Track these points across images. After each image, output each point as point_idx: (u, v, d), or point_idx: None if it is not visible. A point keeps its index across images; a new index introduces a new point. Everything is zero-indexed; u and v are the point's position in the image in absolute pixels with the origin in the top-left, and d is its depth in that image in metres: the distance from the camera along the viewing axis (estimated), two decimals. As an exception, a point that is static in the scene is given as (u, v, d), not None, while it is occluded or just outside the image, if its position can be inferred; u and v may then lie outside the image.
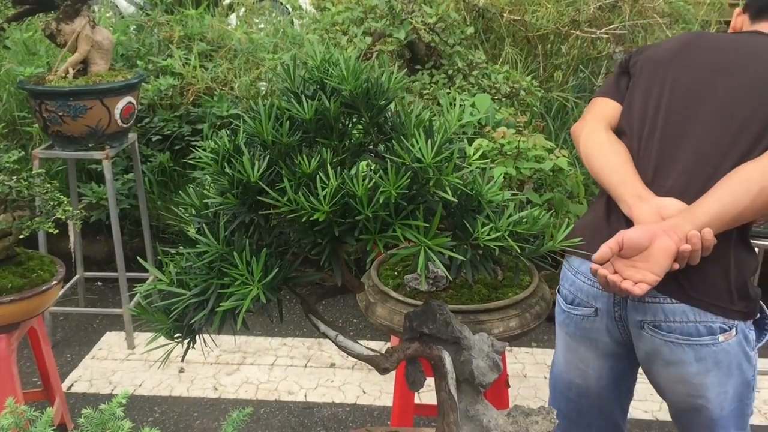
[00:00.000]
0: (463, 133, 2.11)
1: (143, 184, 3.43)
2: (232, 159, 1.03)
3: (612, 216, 1.58)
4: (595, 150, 1.64)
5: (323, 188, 0.95)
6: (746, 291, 1.50)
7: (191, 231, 1.14)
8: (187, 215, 1.16)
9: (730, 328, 1.47)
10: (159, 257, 1.15)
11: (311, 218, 0.95)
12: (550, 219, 1.09)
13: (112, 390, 2.91)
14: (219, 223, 1.06)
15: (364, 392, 2.92)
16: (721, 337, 1.47)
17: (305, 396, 2.90)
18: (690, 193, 1.47)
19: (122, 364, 3.09)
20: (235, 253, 0.99)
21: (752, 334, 1.53)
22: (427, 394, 2.63)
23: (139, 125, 3.75)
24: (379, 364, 1.16)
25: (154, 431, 0.94)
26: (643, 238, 1.38)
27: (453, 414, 1.19)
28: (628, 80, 1.75)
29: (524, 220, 1.06)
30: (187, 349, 1.15)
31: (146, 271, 1.07)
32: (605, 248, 1.42)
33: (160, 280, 1.11)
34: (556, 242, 1.08)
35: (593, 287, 1.57)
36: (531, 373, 3.03)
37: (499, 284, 2.03)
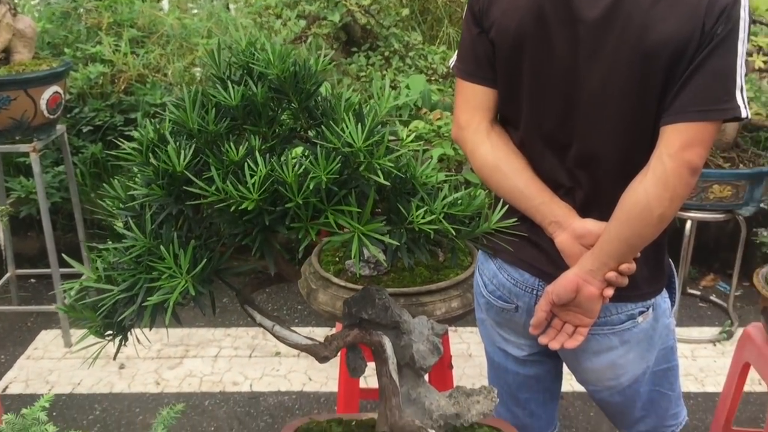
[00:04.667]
0: (399, 115, 2.10)
1: (75, 176, 3.33)
2: (157, 149, 0.99)
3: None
4: (491, 174, 1.47)
5: (252, 176, 0.93)
6: (662, 270, 1.52)
7: (118, 225, 1.09)
8: (113, 208, 1.12)
9: (647, 309, 1.51)
10: (88, 253, 1.11)
11: (240, 207, 0.92)
12: (486, 199, 1.09)
13: (50, 390, 2.83)
14: (146, 216, 1.02)
15: (310, 379, 2.90)
16: (640, 319, 1.50)
17: (251, 386, 2.86)
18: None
19: (59, 363, 3.00)
20: (161, 246, 0.96)
21: (667, 302, 1.56)
22: (373, 378, 2.62)
23: (68, 116, 3.63)
24: (318, 352, 1.14)
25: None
26: (568, 290, 1.41)
27: (395, 398, 1.18)
28: (486, 42, 1.43)
29: (459, 201, 1.06)
30: (119, 346, 1.11)
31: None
32: (541, 313, 1.46)
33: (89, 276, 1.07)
34: (492, 223, 1.08)
35: (516, 287, 1.54)
36: (476, 353, 3.05)
37: (440, 266, 2.04)
